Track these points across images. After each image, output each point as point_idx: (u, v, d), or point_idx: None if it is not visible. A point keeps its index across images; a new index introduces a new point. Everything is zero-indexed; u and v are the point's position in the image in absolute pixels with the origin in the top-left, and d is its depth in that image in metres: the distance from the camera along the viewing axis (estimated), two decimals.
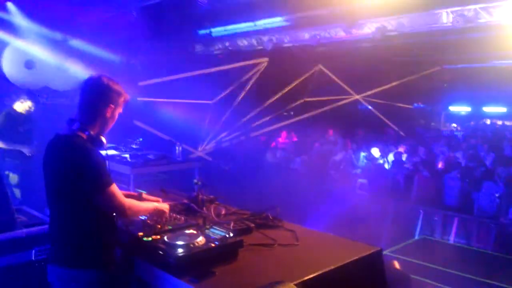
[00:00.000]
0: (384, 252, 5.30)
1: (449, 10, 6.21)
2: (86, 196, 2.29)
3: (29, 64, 8.19)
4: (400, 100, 11.42)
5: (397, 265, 4.48)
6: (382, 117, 11.15)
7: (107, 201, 2.32)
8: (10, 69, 8.00)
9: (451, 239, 6.75)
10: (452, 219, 6.93)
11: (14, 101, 6.27)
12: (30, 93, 6.36)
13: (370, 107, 11.35)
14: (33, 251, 3.01)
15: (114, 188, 2.35)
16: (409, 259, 5.88)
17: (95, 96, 2.43)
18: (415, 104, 14.93)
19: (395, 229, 6.59)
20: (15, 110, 6.14)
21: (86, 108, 2.43)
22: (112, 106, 2.44)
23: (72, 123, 2.38)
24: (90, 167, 2.27)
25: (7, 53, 7.93)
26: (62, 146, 2.37)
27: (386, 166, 9.23)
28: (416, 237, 6.87)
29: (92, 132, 2.38)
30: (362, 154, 9.72)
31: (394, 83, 10.46)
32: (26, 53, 8.10)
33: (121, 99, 2.50)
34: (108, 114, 2.44)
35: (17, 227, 3.07)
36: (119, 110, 2.52)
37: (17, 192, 5.85)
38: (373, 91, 10.63)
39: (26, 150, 6.03)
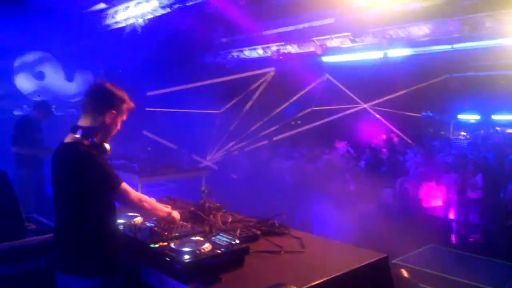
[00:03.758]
0: (393, 261, 5.27)
1: (456, 18, 6.23)
2: (97, 200, 2.34)
3: (39, 75, 8.33)
4: (408, 109, 11.41)
5: (405, 273, 4.45)
6: (390, 125, 11.14)
7: (122, 198, 2.39)
8: (21, 80, 8.15)
9: (461, 247, 6.69)
10: (461, 227, 6.88)
11: (25, 110, 6.39)
12: (44, 103, 6.45)
13: (378, 115, 11.33)
14: (43, 258, 3.04)
15: (125, 185, 2.40)
16: (418, 268, 5.84)
17: (96, 101, 2.43)
18: (423, 113, 14.87)
19: (404, 237, 6.55)
20: (28, 118, 6.25)
21: (88, 114, 2.43)
22: (114, 112, 2.43)
23: (75, 131, 2.39)
24: (97, 171, 2.31)
25: (18, 64, 8.09)
26: (67, 154, 2.39)
27: None
28: (426, 246, 6.81)
29: (95, 139, 2.39)
30: None
31: (402, 92, 10.46)
32: (36, 65, 8.25)
33: (124, 106, 2.49)
34: (109, 120, 2.43)
35: (27, 235, 3.10)
36: (122, 117, 2.51)
37: (30, 200, 5.91)
38: (380, 100, 10.63)
39: (41, 153, 6.11)
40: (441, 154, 10.25)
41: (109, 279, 2.38)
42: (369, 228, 6.28)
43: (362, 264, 2.40)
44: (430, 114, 15.91)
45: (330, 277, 2.23)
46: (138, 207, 2.48)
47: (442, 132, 16.61)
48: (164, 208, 2.63)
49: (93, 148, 2.36)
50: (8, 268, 2.92)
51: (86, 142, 2.36)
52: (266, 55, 9.41)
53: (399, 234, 6.26)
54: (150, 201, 2.54)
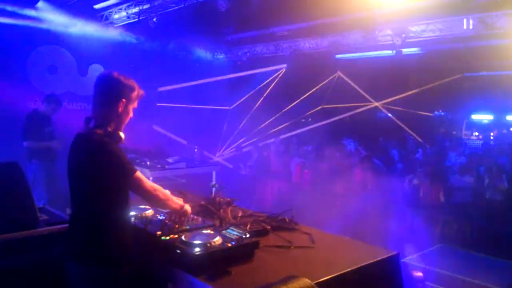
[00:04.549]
0: (403, 260, 5.24)
1: (470, 16, 6.16)
2: (111, 188, 2.35)
3: (52, 69, 8.41)
4: (420, 108, 11.29)
5: (415, 272, 4.44)
6: (402, 124, 11.04)
7: (136, 186, 2.40)
8: (34, 74, 8.22)
9: (471, 247, 6.63)
10: (472, 227, 6.83)
11: (37, 104, 6.45)
12: (54, 97, 6.50)
13: (389, 114, 11.25)
14: (55, 249, 3.07)
15: (140, 174, 2.42)
16: (428, 267, 5.80)
17: (106, 91, 2.46)
18: (436, 112, 14.73)
19: (414, 236, 6.52)
20: (39, 112, 6.30)
21: (99, 105, 2.46)
22: (124, 100, 2.45)
23: (89, 121, 2.43)
24: (111, 158, 2.33)
25: (31, 58, 8.17)
26: (81, 144, 2.42)
27: None
28: (436, 245, 6.77)
29: (109, 129, 2.41)
30: None
31: (414, 91, 10.37)
32: (49, 58, 8.33)
33: (134, 94, 2.50)
34: (121, 109, 2.45)
35: (39, 225, 3.14)
36: (133, 105, 2.53)
37: (42, 192, 5.98)
38: (392, 98, 10.55)
39: (54, 144, 6.16)
40: (452, 154, 10.16)
41: (119, 269, 2.40)
42: (378, 225, 6.26)
43: (373, 261, 2.39)
44: (442, 113, 15.78)
45: (339, 273, 2.22)
46: (152, 196, 2.48)
47: (454, 132, 16.46)
48: (175, 199, 2.64)
49: (107, 137, 2.38)
50: (20, 258, 2.96)
51: (99, 131, 2.38)
52: (278, 52, 9.40)
53: (408, 232, 6.23)
54: (164, 192, 2.55)
